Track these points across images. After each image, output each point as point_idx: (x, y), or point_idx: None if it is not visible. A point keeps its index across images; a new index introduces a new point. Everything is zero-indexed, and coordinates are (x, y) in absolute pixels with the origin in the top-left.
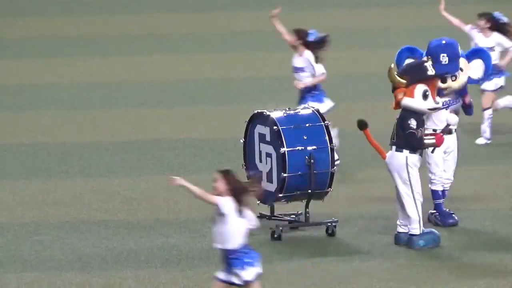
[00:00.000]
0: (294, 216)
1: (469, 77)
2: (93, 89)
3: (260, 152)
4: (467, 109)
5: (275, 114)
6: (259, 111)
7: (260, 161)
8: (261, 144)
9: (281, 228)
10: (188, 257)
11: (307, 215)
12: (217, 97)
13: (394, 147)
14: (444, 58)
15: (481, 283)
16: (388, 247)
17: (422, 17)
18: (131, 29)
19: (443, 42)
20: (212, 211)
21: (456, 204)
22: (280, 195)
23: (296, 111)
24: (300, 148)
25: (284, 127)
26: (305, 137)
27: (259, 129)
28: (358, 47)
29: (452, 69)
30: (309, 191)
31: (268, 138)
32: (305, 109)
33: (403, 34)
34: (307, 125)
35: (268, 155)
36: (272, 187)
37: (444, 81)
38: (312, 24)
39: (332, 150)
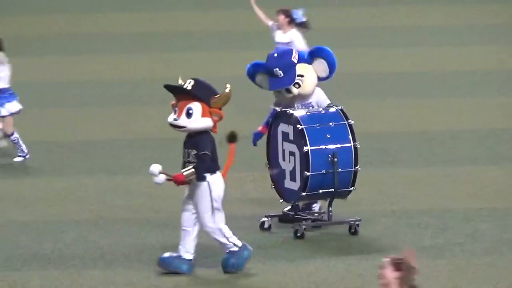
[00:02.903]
0: (317, 215)
1: (318, 77)
2: (116, 87)
3: (283, 150)
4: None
5: (299, 113)
6: (283, 109)
7: (283, 159)
8: (284, 142)
9: (304, 227)
10: (211, 254)
11: (330, 214)
12: (237, 94)
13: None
14: (277, 72)
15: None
16: (412, 245)
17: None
18: (154, 27)
19: (275, 55)
20: None
21: None
22: (303, 193)
23: (320, 110)
24: (323, 147)
25: (308, 126)
26: (329, 136)
27: (283, 127)
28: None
29: (287, 82)
30: (332, 190)
31: (291, 137)
32: (328, 108)
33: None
34: (330, 124)
35: (291, 153)
36: (295, 185)
37: (289, 91)
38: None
39: (355, 149)
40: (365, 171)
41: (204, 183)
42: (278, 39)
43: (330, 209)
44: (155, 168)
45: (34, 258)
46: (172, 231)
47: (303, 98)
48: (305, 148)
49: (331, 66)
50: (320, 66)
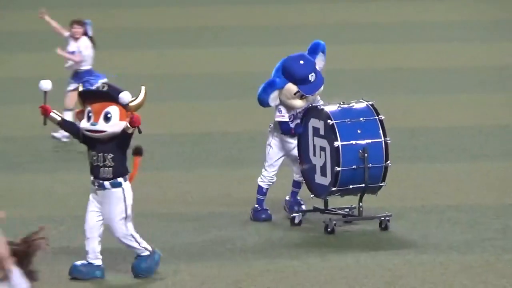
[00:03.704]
0: (347, 210)
1: None
2: (149, 82)
3: (314, 146)
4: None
5: (330, 108)
6: (314, 104)
7: (314, 154)
8: (315, 138)
9: (334, 222)
10: (242, 250)
11: (361, 209)
12: None
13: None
14: (312, 77)
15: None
16: (442, 241)
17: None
18: (187, 22)
19: (301, 62)
20: None
21: None
22: (334, 189)
23: (350, 105)
24: (354, 142)
25: (338, 121)
26: (359, 131)
27: (313, 122)
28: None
29: (321, 83)
30: (363, 185)
31: (322, 132)
32: (359, 103)
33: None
34: (361, 119)
35: (322, 149)
36: (326, 181)
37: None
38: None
39: (386, 144)
40: (395, 166)
41: (119, 190)
42: (71, 48)
43: (361, 204)
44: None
45: (64, 252)
46: (202, 224)
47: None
48: (336, 143)
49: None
50: (321, 60)
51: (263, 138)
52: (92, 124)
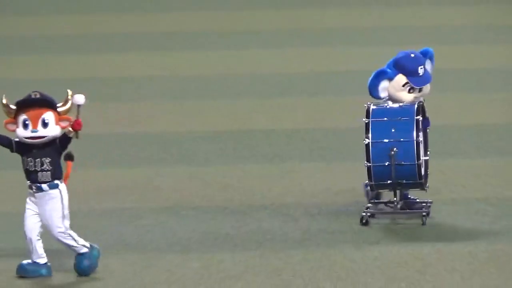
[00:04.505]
0: (390, 204)
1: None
2: (192, 81)
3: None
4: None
5: (374, 106)
6: (368, 103)
7: None
8: (365, 135)
9: (368, 214)
10: (281, 240)
11: (397, 204)
12: (308, 89)
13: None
14: (421, 70)
15: None
16: (470, 232)
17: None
18: (228, 25)
19: (411, 55)
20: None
21: None
22: (371, 183)
23: (400, 104)
24: (385, 140)
25: (375, 119)
26: (393, 130)
27: (365, 120)
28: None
29: (429, 78)
30: (397, 181)
31: (364, 130)
32: (406, 103)
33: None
34: (399, 118)
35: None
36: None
37: (420, 89)
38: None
39: (418, 144)
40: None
41: (57, 191)
42: None
43: (395, 198)
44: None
45: (115, 243)
46: (243, 218)
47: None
48: (366, 141)
49: (432, 67)
50: (429, 67)
51: (300, 134)
52: (32, 131)
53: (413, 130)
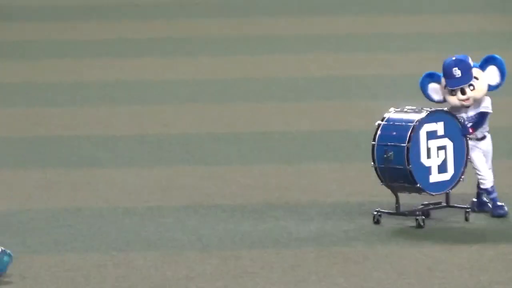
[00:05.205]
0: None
1: (488, 84)
2: (212, 85)
3: None
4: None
5: (392, 111)
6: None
7: None
8: None
9: (379, 214)
10: (297, 238)
11: (396, 205)
12: (324, 93)
13: None
14: (456, 72)
15: None
16: (478, 230)
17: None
18: (249, 31)
19: (453, 58)
20: None
21: None
22: (382, 183)
23: (417, 108)
24: (384, 143)
25: (387, 123)
26: (394, 133)
27: None
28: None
29: (465, 80)
30: (400, 183)
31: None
32: (421, 109)
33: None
34: (403, 123)
35: None
36: None
37: (463, 93)
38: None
39: (407, 149)
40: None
41: None
42: None
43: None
44: None
45: (137, 240)
46: (261, 217)
47: (474, 105)
48: (372, 143)
49: (502, 74)
50: (492, 74)
51: (317, 136)
52: None
53: (407, 136)
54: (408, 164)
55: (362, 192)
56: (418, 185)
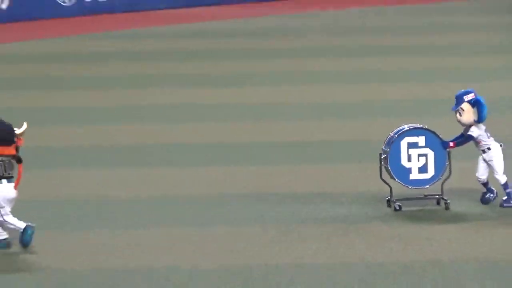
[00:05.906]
0: (438, 196)
1: (474, 117)
2: (269, 108)
3: None
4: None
5: (406, 127)
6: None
7: None
8: None
9: (394, 200)
10: (331, 217)
11: (396, 204)
12: (352, 113)
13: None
14: (455, 101)
15: None
16: (482, 219)
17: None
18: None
19: (461, 90)
20: None
21: None
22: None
23: (418, 126)
24: (384, 148)
25: (391, 134)
26: (387, 141)
27: None
28: None
29: (454, 108)
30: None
31: None
32: (423, 128)
33: None
34: (396, 135)
35: None
36: None
37: (458, 116)
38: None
39: (386, 154)
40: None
41: None
42: None
43: (391, 198)
44: None
45: (215, 221)
46: (287, 204)
47: (465, 128)
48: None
49: (480, 117)
50: (475, 111)
51: (344, 144)
52: None
53: (389, 144)
54: (387, 165)
55: (379, 186)
56: (397, 180)
